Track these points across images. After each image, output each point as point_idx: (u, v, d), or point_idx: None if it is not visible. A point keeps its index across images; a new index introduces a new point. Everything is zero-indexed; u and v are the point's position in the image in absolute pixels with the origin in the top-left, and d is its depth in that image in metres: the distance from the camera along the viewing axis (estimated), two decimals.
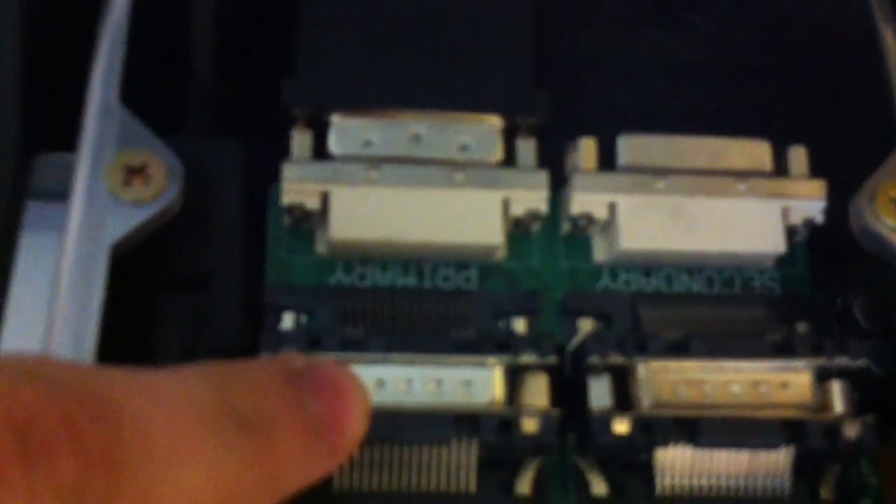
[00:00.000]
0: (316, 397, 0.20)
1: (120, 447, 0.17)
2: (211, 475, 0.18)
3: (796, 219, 0.26)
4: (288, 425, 0.19)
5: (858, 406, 0.24)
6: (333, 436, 0.20)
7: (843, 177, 0.26)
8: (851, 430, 0.23)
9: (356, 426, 0.20)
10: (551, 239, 0.26)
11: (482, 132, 0.25)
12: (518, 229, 0.26)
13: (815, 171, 0.26)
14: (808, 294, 0.26)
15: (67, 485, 0.16)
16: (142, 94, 0.24)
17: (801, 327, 0.25)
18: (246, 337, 0.23)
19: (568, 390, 0.24)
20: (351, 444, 0.20)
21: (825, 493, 0.24)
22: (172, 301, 0.23)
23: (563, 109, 0.26)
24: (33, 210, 0.24)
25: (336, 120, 0.25)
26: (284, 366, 0.20)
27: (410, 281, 0.25)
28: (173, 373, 0.18)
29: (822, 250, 0.27)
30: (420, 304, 0.24)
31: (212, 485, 0.18)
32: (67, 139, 0.24)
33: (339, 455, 0.20)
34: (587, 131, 0.26)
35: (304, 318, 0.24)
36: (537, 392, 0.23)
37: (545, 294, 0.25)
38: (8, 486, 0.16)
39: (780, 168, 0.26)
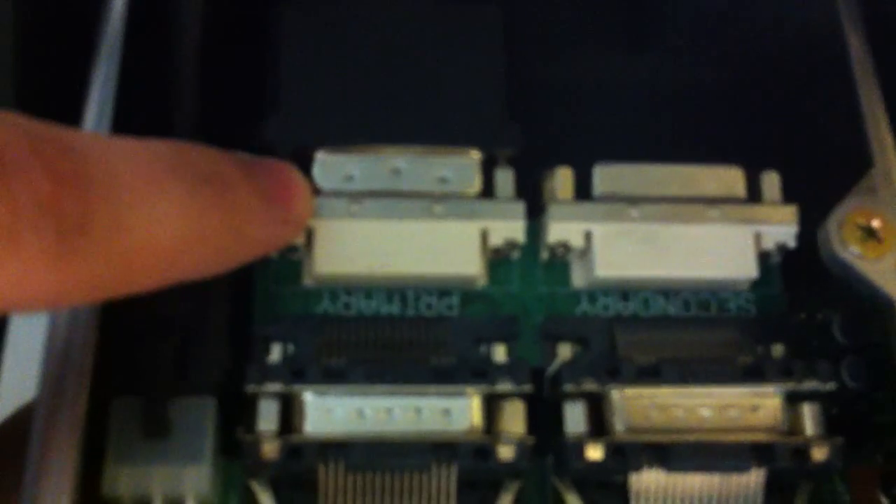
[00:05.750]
0: (264, 175, 0.23)
1: (88, 175, 0.19)
2: (178, 210, 0.20)
3: (769, 244, 0.26)
4: (242, 185, 0.22)
5: (832, 425, 0.25)
6: (284, 206, 0.23)
7: (818, 200, 0.26)
8: (819, 453, 0.24)
9: (303, 202, 0.24)
10: (531, 265, 0.27)
11: (460, 165, 0.26)
12: (498, 257, 0.26)
13: (790, 194, 0.27)
14: (783, 315, 0.27)
15: (44, 197, 0.18)
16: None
17: (777, 348, 0.26)
18: (233, 368, 0.24)
19: (547, 413, 0.25)
20: (300, 218, 0.24)
21: None
22: (160, 333, 0.24)
23: (539, 136, 0.26)
24: None
25: (319, 156, 0.25)
26: (233, 153, 0.22)
27: (394, 308, 0.26)
28: (135, 137, 0.20)
29: (796, 272, 0.27)
30: (402, 331, 0.25)
31: (180, 219, 0.20)
32: None
33: (291, 227, 0.24)
34: (563, 156, 0.27)
35: (290, 348, 0.25)
36: (514, 419, 0.24)
37: (525, 319, 0.26)
38: None
39: (754, 194, 0.27)
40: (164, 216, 0.20)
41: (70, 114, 0.24)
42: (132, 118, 0.24)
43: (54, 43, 0.27)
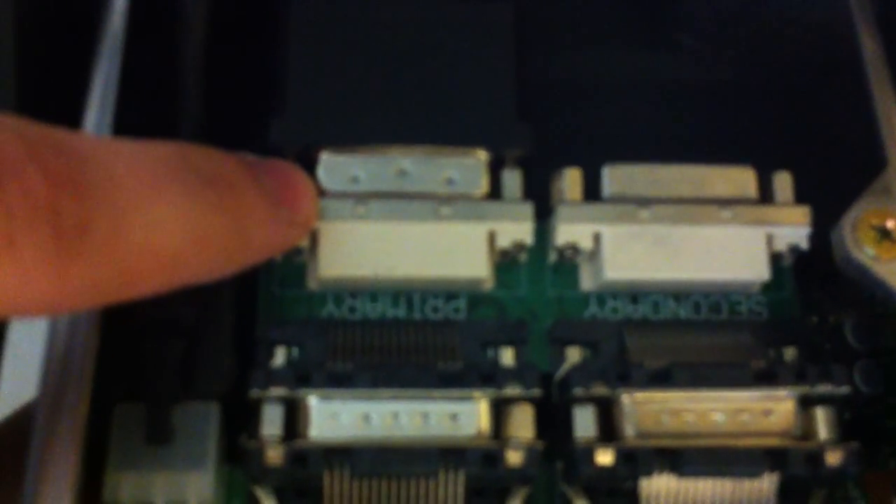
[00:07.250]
0: (269, 177, 0.22)
1: (86, 177, 0.18)
2: (180, 214, 0.20)
3: (781, 245, 0.26)
4: (248, 187, 0.21)
5: (846, 429, 0.24)
6: (289, 207, 0.23)
7: (831, 201, 0.26)
8: (833, 458, 0.24)
9: (309, 204, 0.23)
10: (539, 267, 0.27)
11: (467, 166, 0.25)
12: (505, 259, 0.26)
13: (802, 195, 0.26)
14: (796, 318, 0.27)
15: (40, 200, 0.17)
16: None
17: (789, 352, 0.25)
18: (237, 373, 0.24)
19: (556, 417, 0.24)
20: (306, 220, 0.23)
21: None
22: (163, 338, 0.24)
23: (548, 136, 0.26)
24: None
25: (324, 157, 0.25)
26: (238, 154, 0.22)
27: (400, 312, 0.26)
28: (136, 139, 0.20)
29: (808, 274, 0.27)
30: (408, 335, 0.25)
31: (182, 222, 0.20)
32: None
33: (297, 229, 0.23)
34: (572, 157, 0.26)
35: (295, 352, 0.24)
36: (522, 424, 0.24)
37: (533, 322, 0.26)
38: None
39: (766, 194, 0.26)
40: (165, 220, 0.19)
41: (71, 114, 0.24)
42: (134, 119, 0.24)
43: (55, 42, 0.27)
